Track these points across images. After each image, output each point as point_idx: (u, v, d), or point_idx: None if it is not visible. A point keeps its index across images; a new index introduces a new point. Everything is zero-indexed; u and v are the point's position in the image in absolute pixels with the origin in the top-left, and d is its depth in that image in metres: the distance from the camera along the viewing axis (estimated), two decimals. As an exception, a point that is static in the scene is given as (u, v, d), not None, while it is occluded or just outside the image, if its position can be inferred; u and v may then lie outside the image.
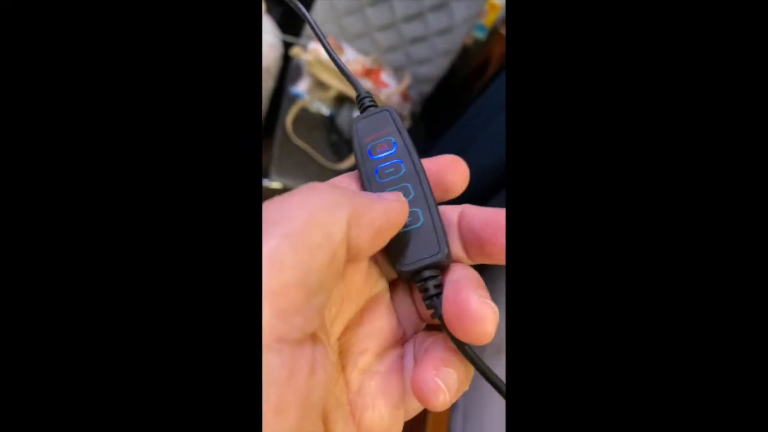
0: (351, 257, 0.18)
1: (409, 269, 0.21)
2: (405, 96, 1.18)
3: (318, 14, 1.14)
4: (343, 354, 0.20)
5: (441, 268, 0.21)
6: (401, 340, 0.22)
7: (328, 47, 0.24)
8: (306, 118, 1.10)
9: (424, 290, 0.20)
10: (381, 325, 0.21)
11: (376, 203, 0.19)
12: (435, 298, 0.20)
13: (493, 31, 1.26)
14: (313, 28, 0.24)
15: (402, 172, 0.22)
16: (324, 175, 1.05)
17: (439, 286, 0.20)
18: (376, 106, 0.24)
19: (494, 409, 0.74)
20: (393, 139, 0.23)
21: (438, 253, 0.20)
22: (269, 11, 1.08)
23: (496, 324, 0.17)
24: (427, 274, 0.20)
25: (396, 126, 0.23)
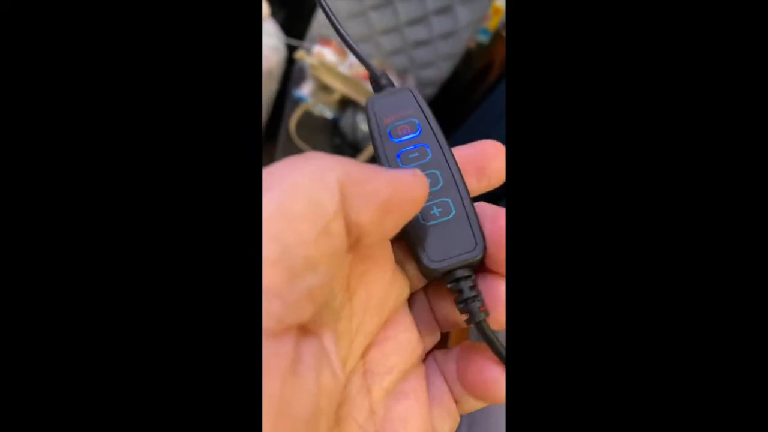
0: (353, 238, 0.15)
1: (440, 267, 0.18)
2: (408, 99, 1.18)
3: (322, 18, 1.14)
4: (368, 374, 0.18)
5: (476, 267, 0.18)
6: (422, 355, 0.20)
7: (338, 26, 0.22)
8: (309, 121, 1.10)
9: (458, 291, 0.18)
10: (406, 339, 0.19)
11: (380, 172, 0.15)
12: (470, 302, 0.18)
13: (497, 35, 1.26)
14: (327, 15, 0.22)
15: (428, 157, 0.19)
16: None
17: (475, 288, 0.18)
18: (392, 85, 0.21)
19: (499, 417, 0.74)
20: (417, 121, 0.20)
21: (475, 248, 0.18)
22: (273, 14, 1.08)
23: None
24: (460, 273, 0.18)
25: (420, 107, 0.20)
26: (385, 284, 0.18)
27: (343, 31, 0.22)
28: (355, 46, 0.21)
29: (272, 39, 1.05)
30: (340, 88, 1.07)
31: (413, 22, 1.15)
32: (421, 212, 0.18)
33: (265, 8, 1.04)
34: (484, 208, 0.19)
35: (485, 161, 0.19)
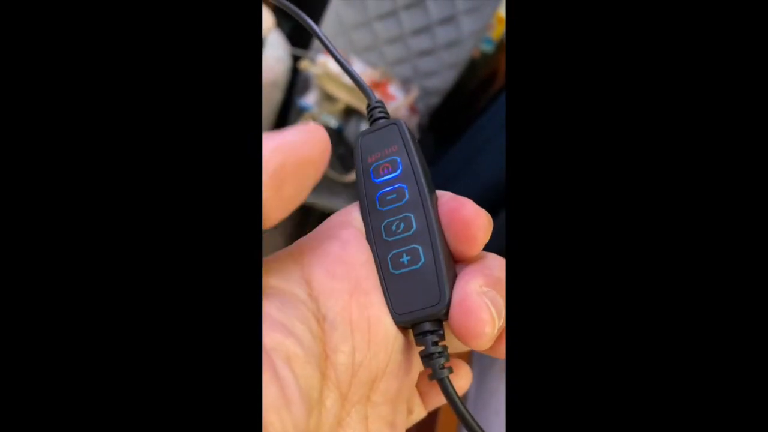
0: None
1: (404, 319, 0.17)
2: (412, 108, 1.19)
3: (326, 28, 1.15)
4: (370, 404, 0.18)
5: (443, 320, 0.18)
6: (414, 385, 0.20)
7: (337, 54, 0.21)
8: (314, 130, 1.11)
9: (422, 344, 0.17)
10: (410, 379, 0.19)
11: (267, 139, 0.14)
12: (433, 358, 0.17)
13: (501, 44, 1.26)
14: (321, 39, 0.22)
15: (405, 199, 0.18)
16: (331, 187, 1.06)
17: (439, 343, 0.17)
18: (386, 117, 0.20)
19: (502, 426, 0.74)
20: (398, 159, 0.19)
21: (438, 303, 0.17)
22: (278, 25, 1.09)
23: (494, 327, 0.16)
24: (427, 327, 0.17)
25: (404, 143, 0.19)
26: (390, 321, 0.18)
27: (344, 61, 0.21)
28: (355, 74, 0.21)
29: (277, 49, 1.06)
30: (344, 98, 1.08)
31: (417, 31, 1.15)
32: (390, 260, 0.18)
33: (270, 19, 1.05)
34: (467, 271, 0.18)
35: (468, 227, 0.18)
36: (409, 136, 0.19)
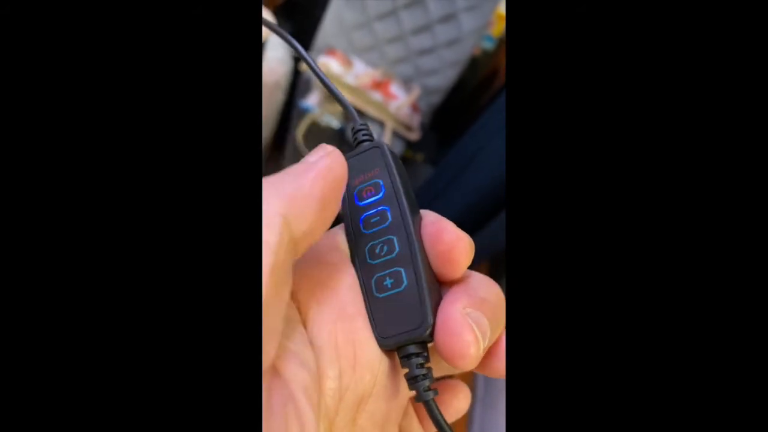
0: (301, 242, 0.15)
1: (388, 343, 0.17)
2: (414, 107, 1.19)
3: (327, 29, 1.15)
4: (357, 428, 0.18)
5: (428, 342, 0.17)
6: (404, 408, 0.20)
7: (323, 78, 0.21)
8: (316, 131, 1.11)
9: (407, 367, 0.17)
10: (397, 402, 0.19)
11: (302, 174, 0.15)
12: (418, 381, 0.17)
13: (502, 42, 1.26)
14: (308, 63, 0.22)
15: (388, 221, 0.18)
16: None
17: (424, 365, 0.17)
18: (371, 140, 0.21)
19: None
20: (381, 182, 0.19)
21: (420, 326, 0.17)
22: (281, 26, 1.09)
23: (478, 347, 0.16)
24: (412, 350, 0.17)
25: (386, 165, 0.19)
26: (375, 345, 0.18)
27: (332, 86, 0.21)
28: (339, 95, 0.21)
29: (279, 51, 1.06)
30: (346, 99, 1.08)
31: (417, 30, 1.15)
32: (374, 283, 0.18)
33: (272, 21, 1.05)
34: (450, 293, 0.18)
35: (451, 252, 0.18)
36: (391, 159, 0.19)
